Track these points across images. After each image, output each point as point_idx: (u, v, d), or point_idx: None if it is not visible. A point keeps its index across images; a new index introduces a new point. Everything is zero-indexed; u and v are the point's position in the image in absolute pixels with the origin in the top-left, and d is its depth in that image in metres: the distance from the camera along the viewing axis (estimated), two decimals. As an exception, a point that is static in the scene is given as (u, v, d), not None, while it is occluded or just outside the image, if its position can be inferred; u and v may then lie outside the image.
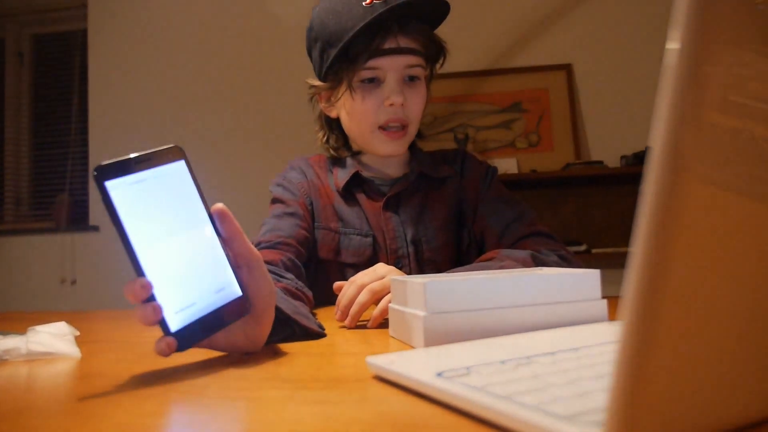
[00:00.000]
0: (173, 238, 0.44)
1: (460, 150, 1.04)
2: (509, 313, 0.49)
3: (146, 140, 2.79)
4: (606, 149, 2.47)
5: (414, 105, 0.91)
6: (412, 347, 0.50)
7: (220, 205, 0.48)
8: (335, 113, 0.97)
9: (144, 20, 2.85)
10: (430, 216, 0.96)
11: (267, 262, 0.77)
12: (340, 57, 0.88)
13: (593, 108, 2.52)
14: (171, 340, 0.42)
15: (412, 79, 0.91)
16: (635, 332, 0.21)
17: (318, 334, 0.59)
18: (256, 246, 0.86)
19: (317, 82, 0.96)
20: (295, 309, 0.60)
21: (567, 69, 2.55)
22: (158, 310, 0.42)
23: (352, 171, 0.96)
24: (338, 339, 0.59)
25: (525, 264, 0.73)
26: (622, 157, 2.38)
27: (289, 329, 0.57)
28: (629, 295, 0.20)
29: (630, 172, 2.32)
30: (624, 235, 2.41)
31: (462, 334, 0.48)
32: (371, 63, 0.87)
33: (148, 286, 0.41)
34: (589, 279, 0.50)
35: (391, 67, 0.88)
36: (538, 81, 2.56)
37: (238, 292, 0.48)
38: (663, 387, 0.22)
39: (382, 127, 0.91)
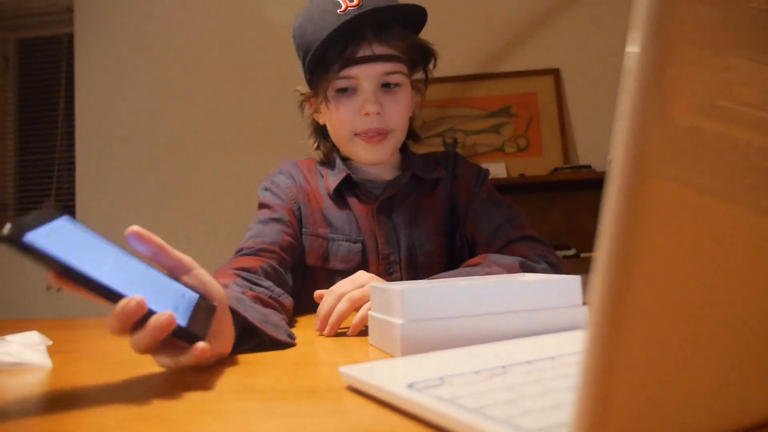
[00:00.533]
0: (111, 268, 0.43)
1: (451, 152, 1.03)
2: (489, 320, 0.48)
3: (134, 145, 2.77)
4: (594, 153, 2.48)
5: (392, 112, 0.89)
6: (391, 356, 0.49)
7: (134, 227, 0.47)
8: (323, 120, 0.97)
9: (131, 24, 2.83)
10: (423, 219, 0.94)
11: (245, 269, 0.76)
12: (317, 66, 0.88)
13: (581, 112, 2.53)
14: (204, 343, 0.43)
15: (390, 86, 0.89)
16: (599, 340, 0.20)
17: (287, 344, 0.58)
18: (237, 253, 0.84)
19: (304, 89, 0.96)
20: (264, 318, 0.59)
21: (555, 73, 2.55)
22: (171, 316, 0.41)
23: (343, 174, 0.94)
24: (317, 347, 0.58)
25: (512, 270, 0.72)
26: (610, 161, 2.38)
27: (257, 338, 0.55)
28: (594, 300, 0.20)
29: (618, 176, 2.32)
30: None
31: (440, 342, 0.47)
32: (344, 72, 0.86)
33: (142, 302, 0.41)
34: (570, 285, 0.50)
35: (365, 75, 0.86)
36: (527, 85, 2.56)
37: (195, 296, 0.47)
38: (630, 397, 0.21)
39: (358, 135, 0.90)
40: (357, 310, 0.64)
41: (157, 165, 2.74)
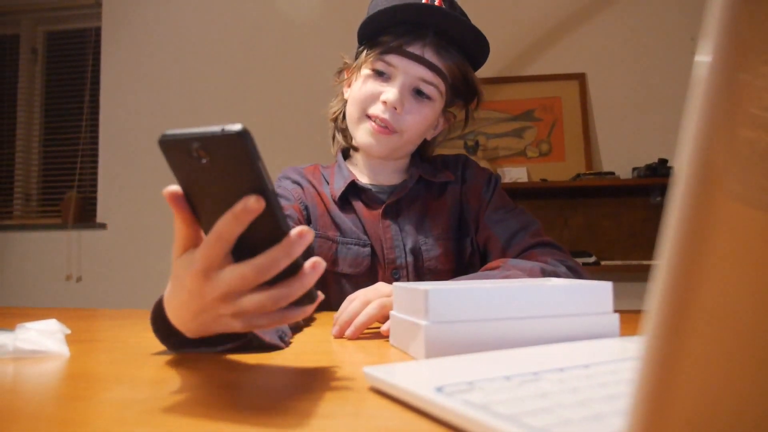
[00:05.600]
0: None
1: (461, 156, 1.02)
2: (516, 324, 0.46)
3: (156, 141, 2.78)
4: (617, 160, 2.44)
5: (409, 117, 0.88)
6: (413, 357, 0.48)
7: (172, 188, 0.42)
8: (347, 95, 0.96)
9: (158, 20, 2.85)
10: (430, 224, 0.93)
11: None
12: (368, 37, 0.89)
13: (606, 118, 2.49)
14: (318, 259, 0.41)
15: (422, 95, 0.88)
16: (659, 352, 0.18)
17: (274, 347, 0.52)
18: None
19: (348, 59, 0.97)
20: None
21: (580, 78, 2.52)
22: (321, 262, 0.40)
23: (349, 180, 0.93)
24: (335, 347, 0.57)
25: (532, 275, 0.70)
26: (634, 169, 2.35)
27: (242, 337, 0.50)
28: (654, 311, 0.18)
29: (642, 184, 2.29)
30: (634, 248, 2.37)
31: (465, 345, 0.45)
32: (387, 57, 0.86)
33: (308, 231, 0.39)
34: (601, 291, 0.48)
35: (403, 69, 0.86)
36: (551, 89, 2.53)
37: None
38: (688, 413, 0.19)
39: (369, 118, 0.89)
40: (382, 320, 0.62)
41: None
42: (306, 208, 0.94)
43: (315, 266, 0.40)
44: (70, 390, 0.40)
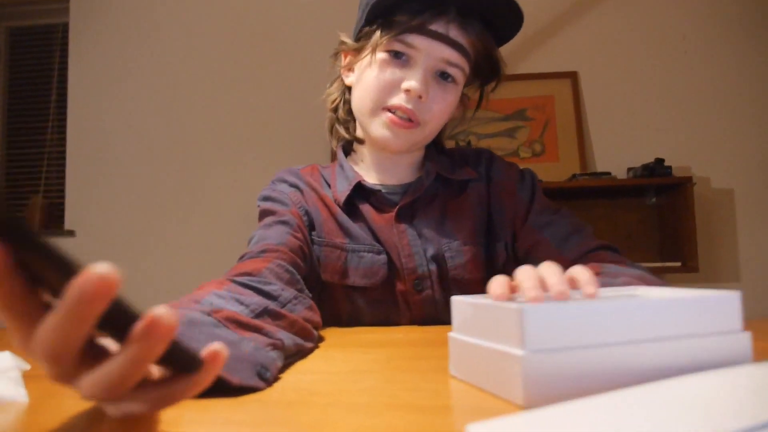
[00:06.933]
0: None
1: (483, 150, 0.90)
2: (642, 350, 0.35)
3: (128, 141, 2.63)
4: (612, 160, 2.38)
5: (435, 105, 0.77)
6: (494, 395, 0.37)
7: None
8: (351, 80, 0.84)
9: (129, 15, 2.70)
10: (452, 227, 0.81)
11: (245, 273, 0.60)
12: (379, 17, 0.76)
13: (599, 117, 2.43)
14: (221, 345, 0.31)
15: (446, 77, 0.77)
16: None
17: (250, 388, 0.40)
18: (239, 260, 0.68)
19: (347, 39, 0.84)
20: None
21: (572, 77, 2.45)
22: (174, 314, 0.27)
23: (354, 181, 0.81)
24: (380, 380, 0.45)
25: (644, 282, 0.59)
26: (629, 169, 2.28)
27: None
28: None
29: (638, 185, 2.22)
30: (630, 249, 2.30)
31: (577, 380, 0.34)
32: (407, 37, 0.74)
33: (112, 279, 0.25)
34: (729, 304, 0.37)
35: (427, 51, 0.74)
36: (543, 88, 2.46)
37: None
38: None
39: (389, 110, 0.77)
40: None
41: (151, 162, 2.60)
42: (307, 213, 0.82)
43: (214, 359, 0.30)
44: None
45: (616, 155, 2.38)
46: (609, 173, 2.27)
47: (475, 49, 0.77)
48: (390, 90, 0.76)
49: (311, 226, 0.81)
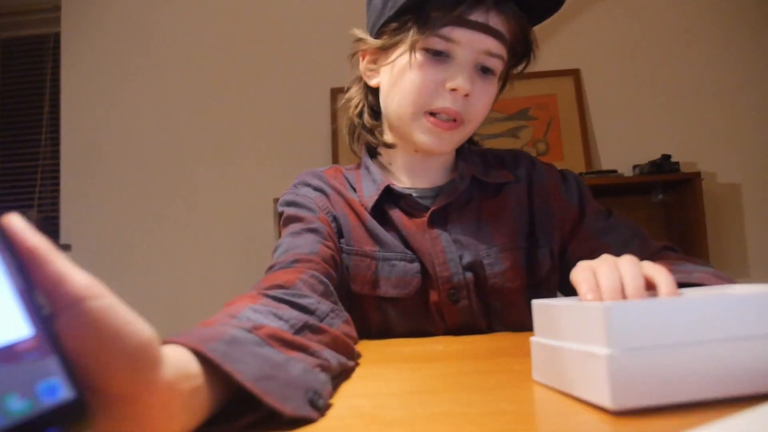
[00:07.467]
0: None
1: (520, 152, 0.85)
2: (732, 348, 0.32)
3: (123, 152, 2.58)
4: (617, 158, 2.35)
5: (479, 102, 0.72)
6: (576, 398, 0.33)
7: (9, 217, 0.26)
8: (376, 81, 0.79)
9: (122, 24, 2.65)
10: (490, 232, 0.76)
11: (278, 286, 0.54)
12: (410, 11, 0.70)
13: (603, 115, 2.41)
14: None
15: (485, 71, 0.73)
16: None
17: (304, 419, 0.35)
18: (268, 271, 0.62)
19: (366, 36, 0.78)
20: (268, 371, 0.35)
21: (575, 74, 2.43)
22: None
23: (383, 185, 0.76)
24: (453, 397, 0.41)
25: (718, 279, 0.56)
26: (635, 166, 2.26)
27: (263, 410, 0.34)
28: None
29: (645, 182, 2.20)
30: (639, 249, 2.28)
31: (667, 380, 0.31)
32: (448, 31, 0.69)
33: None
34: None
35: (469, 44, 0.69)
36: (546, 87, 2.43)
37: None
38: None
39: (431, 113, 0.72)
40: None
41: (147, 173, 2.55)
42: (335, 219, 0.77)
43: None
44: None
45: (621, 152, 2.36)
46: (615, 171, 2.24)
47: (513, 33, 0.73)
48: (432, 92, 0.71)
49: (339, 233, 0.76)
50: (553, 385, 0.38)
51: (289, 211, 0.76)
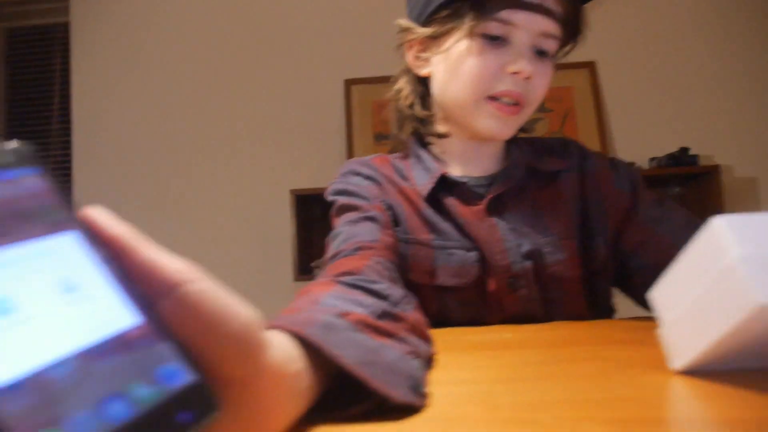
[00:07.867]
0: None
1: (569, 141, 0.84)
2: None
3: (136, 143, 2.55)
4: (634, 150, 2.34)
5: (539, 84, 0.71)
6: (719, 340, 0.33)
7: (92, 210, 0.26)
8: (427, 71, 0.77)
9: (132, 12, 2.62)
10: (547, 221, 0.75)
11: (347, 273, 0.53)
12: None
13: (619, 107, 2.39)
14: None
15: (542, 53, 0.71)
16: None
17: (407, 405, 0.33)
18: (331, 259, 0.61)
19: (413, 25, 0.76)
20: (367, 356, 0.34)
21: (590, 66, 2.42)
22: None
23: (438, 173, 0.75)
24: (551, 384, 0.40)
25: None
26: (652, 159, 2.25)
27: (368, 400, 0.32)
28: None
29: (662, 175, 2.19)
30: (656, 242, 2.27)
31: None
32: (506, 14, 0.68)
33: None
34: None
35: (527, 26, 0.68)
36: (561, 79, 2.41)
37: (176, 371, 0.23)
38: None
39: (493, 98, 0.71)
40: None
41: (160, 165, 2.53)
42: (390, 207, 0.75)
43: None
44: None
45: (637, 145, 2.35)
46: (632, 163, 2.23)
47: (567, 12, 0.72)
48: (494, 76, 0.70)
49: (395, 222, 0.75)
50: (696, 346, 0.36)
51: (342, 200, 0.75)
